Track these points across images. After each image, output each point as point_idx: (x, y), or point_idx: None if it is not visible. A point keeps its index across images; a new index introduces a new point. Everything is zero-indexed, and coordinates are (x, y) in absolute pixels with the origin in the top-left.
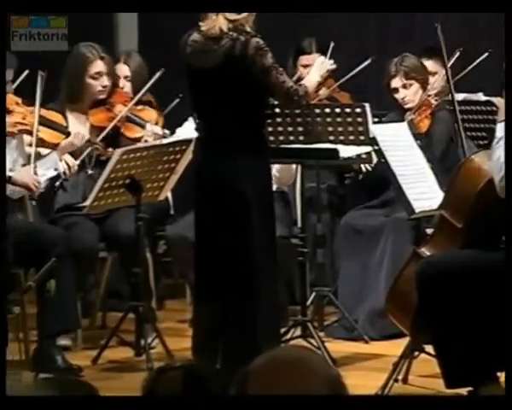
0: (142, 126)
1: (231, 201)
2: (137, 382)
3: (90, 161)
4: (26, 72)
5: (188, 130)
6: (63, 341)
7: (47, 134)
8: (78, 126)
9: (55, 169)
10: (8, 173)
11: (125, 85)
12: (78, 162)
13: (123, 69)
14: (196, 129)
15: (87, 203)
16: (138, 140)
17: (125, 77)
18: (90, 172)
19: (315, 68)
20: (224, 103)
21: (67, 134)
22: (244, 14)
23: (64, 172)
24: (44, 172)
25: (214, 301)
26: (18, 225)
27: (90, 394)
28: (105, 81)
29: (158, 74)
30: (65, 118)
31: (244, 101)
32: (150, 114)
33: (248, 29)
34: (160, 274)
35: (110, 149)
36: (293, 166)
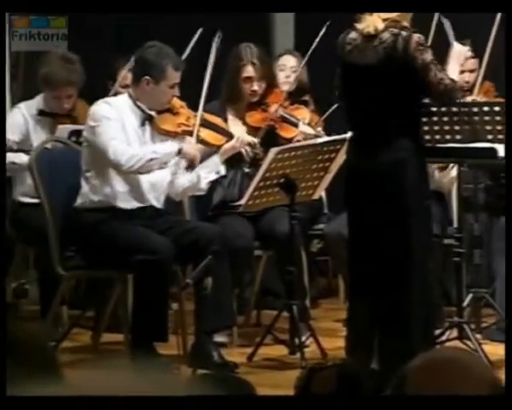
0: (295, 125)
1: (388, 199)
2: (291, 380)
3: (246, 160)
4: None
5: None
6: (219, 337)
7: (209, 136)
8: (236, 127)
9: (217, 172)
10: (178, 146)
11: (291, 76)
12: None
13: (289, 59)
14: (351, 128)
15: (242, 202)
16: (292, 140)
17: (291, 68)
18: (246, 170)
19: (452, 58)
20: (382, 100)
21: (229, 137)
22: (398, 13)
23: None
24: (206, 175)
25: (369, 301)
26: (176, 223)
27: (247, 391)
28: (254, 86)
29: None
30: (225, 117)
31: (402, 97)
32: (303, 112)
33: (405, 24)
34: (314, 273)
35: (262, 155)
36: (453, 172)
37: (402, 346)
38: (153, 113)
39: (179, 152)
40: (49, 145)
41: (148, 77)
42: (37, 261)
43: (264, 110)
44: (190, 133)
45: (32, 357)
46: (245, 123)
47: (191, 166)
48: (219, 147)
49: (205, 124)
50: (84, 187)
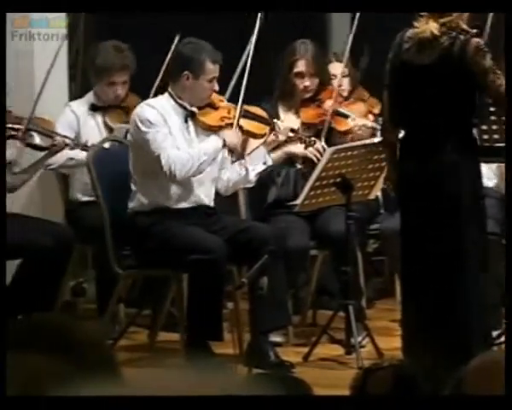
0: (347, 117)
1: (441, 199)
2: (347, 380)
3: (299, 156)
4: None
5: None
6: (275, 337)
7: (251, 125)
8: (290, 123)
9: (264, 163)
10: (221, 139)
11: (343, 82)
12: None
13: (337, 67)
14: (403, 127)
15: (298, 202)
16: (348, 132)
17: (342, 73)
18: (299, 166)
19: None
20: (437, 101)
21: (272, 125)
22: (454, 15)
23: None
24: (254, 166)
25: (423, 301)
26: (229, 222)
27: (304, 391)
28: (306, 81)
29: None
30: (278, 115)
31: (457, 99)
32: (358, 107)
33: (465, 27)
34: (370, 273)
35: (313, 139)
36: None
37: (457, 347)
38: (194, 109)
39: (224, 144)
40: (106, 145)
41: (187, 72)
42: (95, 260)
43: (318, 106)
44: (233, 125)
45: (91, 356)
46: (298, 118)
47: (236, 153)
48: (263, 136)
49: (246, 115)
50: (134, 190)
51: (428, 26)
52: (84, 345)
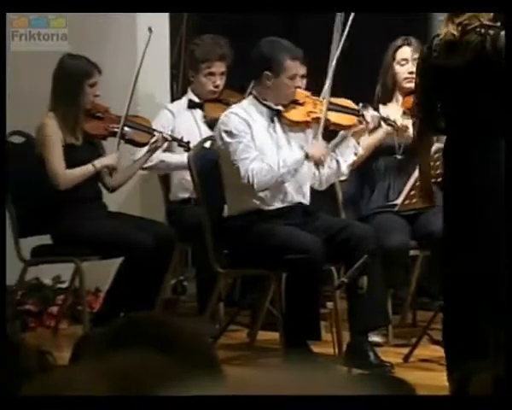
0: None
1: (480, 198)
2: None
3: (399, 147)
4: None
5: None
6: (375, 337)
7: (339, 118)
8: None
9: (355, 153)
10: (304, 151)
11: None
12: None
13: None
14: (444, 131)
15: (398, 201)
16: None
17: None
18: (398, 157)
19: None
20: (475, 101)
21: (359, 115)
22: (467, 14)
23: None
24: (346, 158)
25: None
26: (327, 221)
27: (407, 391)
28: (411, 68)
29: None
30: (377, 108)
31: (494, 96)
32: None
33: (488, 22)
34: None
35: (405, 124)
36: None
37: None
38: (280, 107)
39: (307, 156)
40: (207, 144)
41: (267, 72)
42: (195, 258)
43: None
44: (319, 119)
45: (192, 354)
46: (401, 108)
47: (319, 165)
48: (351, 127)
49: (332, 107)
50: (228, 195)
51: (448, 29)
52: (185, 343)
